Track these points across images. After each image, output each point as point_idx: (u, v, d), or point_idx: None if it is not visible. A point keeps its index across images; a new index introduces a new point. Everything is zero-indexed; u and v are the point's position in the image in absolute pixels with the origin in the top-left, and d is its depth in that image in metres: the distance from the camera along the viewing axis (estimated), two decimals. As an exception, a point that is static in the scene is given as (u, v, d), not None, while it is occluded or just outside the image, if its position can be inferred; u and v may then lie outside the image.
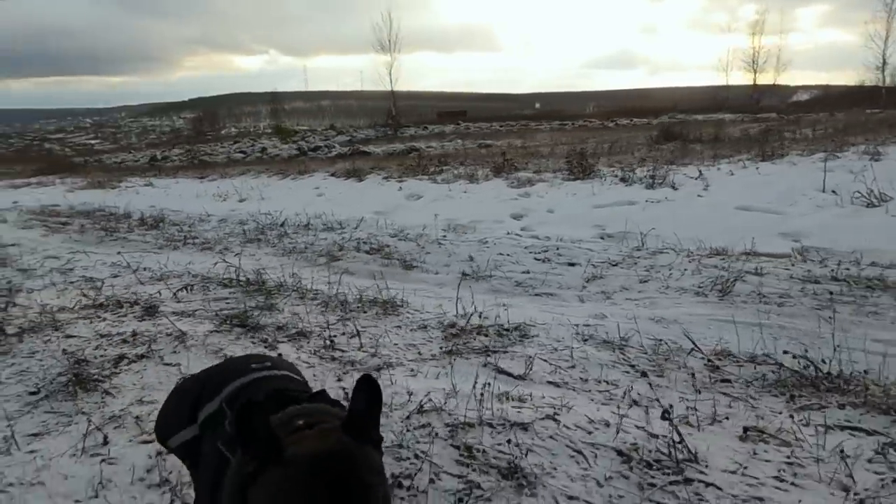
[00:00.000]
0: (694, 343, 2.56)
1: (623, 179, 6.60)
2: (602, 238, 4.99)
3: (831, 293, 3.27)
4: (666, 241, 4.56)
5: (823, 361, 2.33)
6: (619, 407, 2.06)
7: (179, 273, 4.49)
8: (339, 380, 2.44)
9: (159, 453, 1.85)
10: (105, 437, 1.96)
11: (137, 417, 2.11)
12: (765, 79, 45.68)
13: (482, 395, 2.10)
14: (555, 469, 1.68)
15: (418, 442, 1.84)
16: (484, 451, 1.78)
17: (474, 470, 1.69)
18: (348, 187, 8.31)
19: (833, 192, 5.22)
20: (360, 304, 3.45)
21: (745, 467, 1.68)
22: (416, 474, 1.68)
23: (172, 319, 3.14)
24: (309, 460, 0.84)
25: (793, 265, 3.79)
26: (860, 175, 5.54)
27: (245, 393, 1.13)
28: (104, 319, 3.27)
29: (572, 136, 13.50)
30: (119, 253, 5.19)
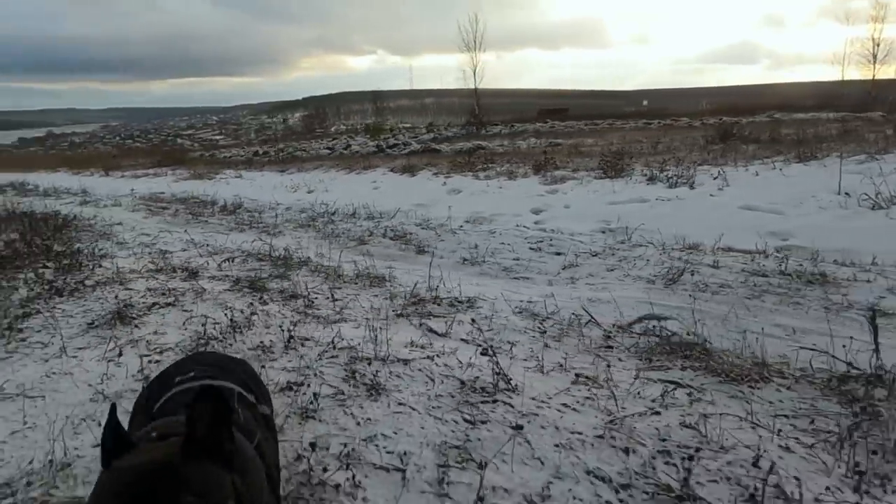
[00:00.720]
0: (591, 316, 3.00)
1: (650, 178, 6.82)
2: (602, 232, 5.34)
3: (770, 285, 3.53)
4: (656, 237, 4.86)
5: (697, 335, 2.71)
6: (492, 355, 2.57)
7: (232, 249, 5.39)
8: (315, 319, 3.13)
9: (150, 362, 2.62)
10: (120, 351, 2.76)
11: (148, 342, 2.90)
12: (887, 73, 41.06)
13: (389, 339, 2.70)
14: (405, 388, 2.26)
15: (322, 367, 2.48)
16: (364, 374, 2.39)
17: (348, 384, 2.31)
18: (401, 182, 9.07)
19: (846, 194, 5.23)
20: (354, 278, 4.13)
21: (551, 397, 2.17)
22: (308, 384, 2.32)
23: (202, 282, 3.99)
24: (126, 472, 0.87)
25: (752, 260, 4.01)
26: (889, 178, 5.48)
27: (166, 407, 1.19)
28: (156, 279, 4.17)
29: (647, 134, 13.37)
30: (185, 231, 6.23)
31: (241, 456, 0.98)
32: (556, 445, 1.82)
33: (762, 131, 10.53)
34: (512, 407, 2.08)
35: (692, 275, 3.80)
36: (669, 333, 2.80)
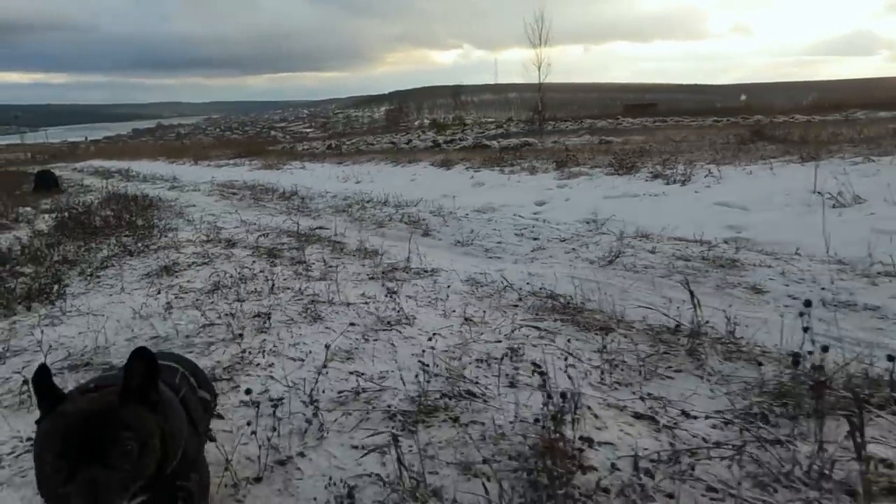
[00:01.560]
0: (508, 282, 3.76)
1: (654, 176, 7.32)
2: (586, 223, 5.97)
3: (686, 267, 4.13)
4: (627, 227, 5.46)
5: (585, 300, 3.42)
6: (394, 298, 3.39)
7: (272, 227, 6.49)
8: (306, 278, 4.09)
9: (175, 297, 3.66)
10: (159, 291, 3.84)
11: (180, 287, 3.97)
12: None
13: (346, 291, 3.60)
14: (336, 319, 3.15)
15: (288, 305, 3.42)
16: (314, 310, 3.30)
17: (300, 315, 3.23)
18: (436, 174, 9.94)
19: (819, 193, 5.58)
20: (354, 252, 5.07)
21: (434, 329, 2.98)
22: (272, 314, 3.26)
23: (236, 250, 5.07)
24: (72, 415, 1.04)
25: (686, 247, 4.59)
26: (870, 179, 5.78)
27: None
28: (203, 247, 5.30)
29: (699, 133, 13.41)
30: (238, 212, 7.42)
31: (165, 403, 1.20)
32: (412, 354, 2.65)
33: (797, 131, 10.51)
34: (400, 332, 2.93)
35: (627, 257, 4.44)
36: (563, 298, 3.52)
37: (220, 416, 2.07)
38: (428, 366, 2.35)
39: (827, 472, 1.58)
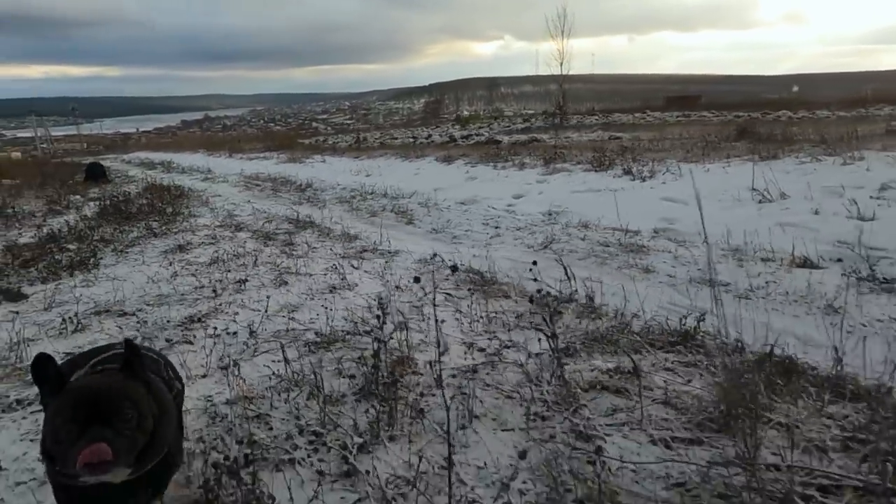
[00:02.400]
0: (443, 260, 4.61)
1: (626, 172, 8.00)
2: (546, 215, 6.72)
3: (604, 251, 4.89)
4: (579, 218, 6.21)
5: (503, 275, 4.24)
6: (340, 270, 4.28)
7: (280, 215, 7.46)
8: (288, 256, 5.02)
9: (182, 268, 4.64)
10: (170, 263, 4.84)
11: (188, 261, 4.95)
12: None
13: (311, 265, 4.52)
14: (297, 285, 4.05)
15: (265, 274, 4.35)
16: (284, 279, 4.21)
17: (272, 282, 4.15)
18: (437, 169, 10.78)
19: (755, 189, 6.22)
20: (338, 236, 5.98)
21: (373, 292, 3.85)
22: (249, 279, 4.19)
23: (240, 233, 6.05)
24: (79, 389, 1.28)
25: (613, 236, 5.33)
26: (806, 177, 6.38)
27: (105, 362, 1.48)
28: (214, 230, 6.30)
29: (716, 129, 13.73)
30: (251, 202, 8.44)
31: (159, 392, 1.40)
32: (342, 308, 3.53)
33: (781, 129, 10.90)
34: (339, 295, 3.82)
35: (560, 243, 5.22)
36: (487, 275, 4.34)
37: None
38: (346, 316, 3.24)
39: (558, 374, 2.39)
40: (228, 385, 2.54)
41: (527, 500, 1.68)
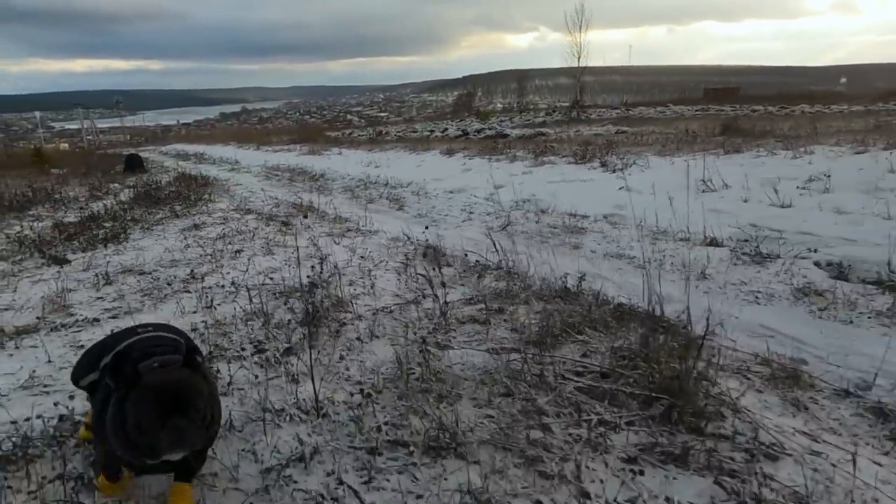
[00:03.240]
0: (408, 237, 5.47)
1: (602, 165, 8.71)
2: (521, 202, 7.51)
3: (550, 232, 5.68)
4: (544, 206, 6.98)
5: (457, 250, 5.08)
6: (316, 245, 5.17)
7: (288, 201, 8.42)
8: (283, 234, 5.95)
9: (194, 241, 5.63)
10: (185, 238, 5.82)
11: (200, 236, 5.93)
12: None
13: (295, 240, 5.45)
14: (282, 254, 4.98)
15: (258, 246, 5.29)
16: (272, 248, 5.14)
17: (261, 250, 5.08)
18: (438, 161, 11.62)
19: (703, 180, 6.89)
20: (332, 219, 6.90)
21: (341, 259, 4.75)
22: (244, 249, 5.13)
23: (248, 216, 7.03)
24: (155, 384, 1.47)
25: (562, 220, 6.10)
26: (757, 169, 7.03)
27: (129, 349, 1.66)
28: (228, 213, 7.29)
29: (714, 123, 14.16)
30: (263, 190, 9.43)
31: (213, 382, 1.72)
32: (311, 269, 4.43)
33: (770, 126, 11.37)
34: (311, 261, 4.73)
35: (517, 226, 6.03)
36: (439, 249, 5.18)
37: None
38: (310, 276, 4.14)
39: (443, 312, 3.24)
40: (209, 316, 3.46)
41: (384, 377, 2.55)
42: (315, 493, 1.84)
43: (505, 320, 3.16)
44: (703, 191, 6.57)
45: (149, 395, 1.47)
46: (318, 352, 2.86)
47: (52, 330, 3.39)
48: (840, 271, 4.01)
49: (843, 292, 3.56)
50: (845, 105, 21.73)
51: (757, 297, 3.65)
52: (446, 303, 3.30)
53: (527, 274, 4.17)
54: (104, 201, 8.80)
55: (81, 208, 8.10)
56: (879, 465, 1.90)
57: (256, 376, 2.66)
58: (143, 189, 9.39)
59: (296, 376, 2.61)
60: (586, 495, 1.78)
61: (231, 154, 19.18)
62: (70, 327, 3.42)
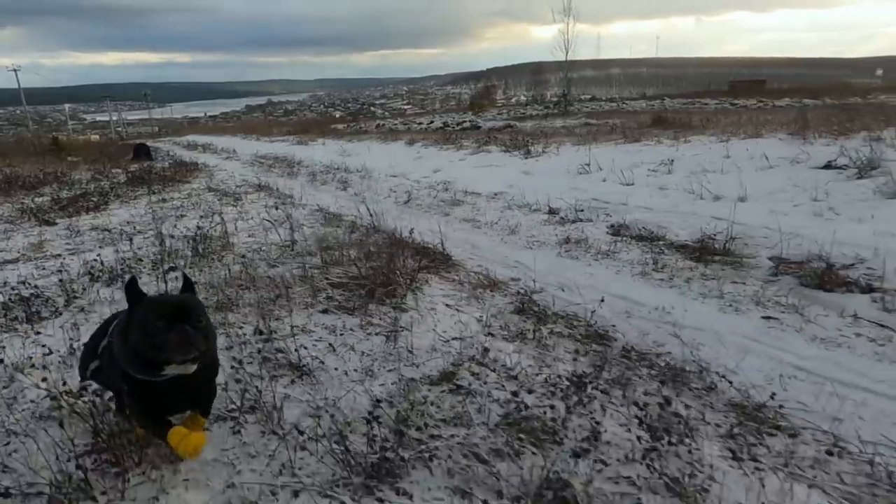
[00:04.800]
0: (321, 208, 6.86)
1: (526, 153, 9.97)
2: (439, 183, 8.82)
3: (442, 203, 7.00)
4: (454, 185, 8.29)
5: (368, 220, 6.46)
6: (270, 219, 6.58)
7: (254, 183, 9.87)
8: (228, 206, 7.39)
9: (158, 208, 7.11)
10: (151, 207, 7.31)
11: (163, 206, 7.40)
12: None
13: (249, 210, 6.88)
14: (233, 218, 6.42)
15: (210, 219, 6.75)
16: (211, 212, 6.59)
17: (205, 217, 6.53)
18: (399, 150, 12.96)
19: (585, 165, 8.13)
20: (279, 195, 8.32)
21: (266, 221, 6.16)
22: (187, 215, 6.58)
23: (210, 194, 8.49)
24: (163, 298, 1.90)
25: (456, 195, 7.42)
26: (631, 155, 8.26)
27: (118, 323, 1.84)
28: (196, 191, 8.77)
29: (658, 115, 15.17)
30: (241, 174, 10.91)
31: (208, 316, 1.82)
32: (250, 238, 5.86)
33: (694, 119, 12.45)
34: (237, 223, 6.15)
35: (419, 199, 7.38)
36: (348, 217, 6.54)
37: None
38: (201, 227, 5.55)
39: (291, 246, 4.64)
40: (132, 251, 4.91)
41: (237, 282, 3.96)
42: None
43: (337, 252, 4.53)
44: (580, 173, 7.82)
45: (154, 305, 1.70)
46: (190, 266, 4.27)
47: (27, 261, 4.87)
48: (616, 230, 5.29)
49: (596, 241, 4.85)
50: (859, 98, 22.16)
51: (532, 245, 4.96)
52: (294, 241, 4.69)
53: (386, 229, 5.54)
54: (101, 182, 10.38)
55: (81, 188, 9.67)
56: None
57: (150, 277, 4.07)
58: (137, 173, 10.94)
59: (167, 279, 4.02)
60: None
61: (232, 144, 20.79)
62: (39, 259, 4.90)
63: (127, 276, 1.96)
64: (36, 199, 8.47)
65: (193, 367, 1.72)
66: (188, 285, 1.88)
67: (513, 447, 1.99)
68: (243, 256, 4.65)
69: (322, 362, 2.68)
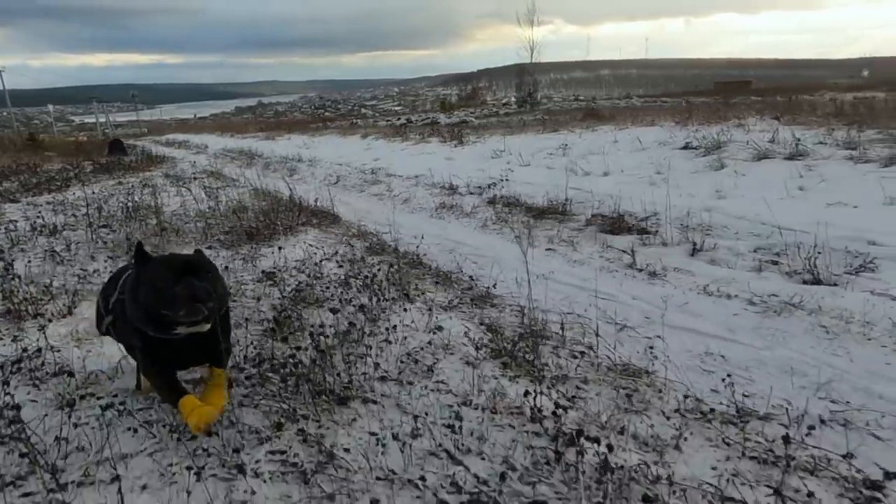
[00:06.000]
0: (260, 186, 7.80)
1: (460, 142, 10.94)
2: (375, 169, 9.77)
3: (364, 182, 7.94)
4: (383, 170, 9.23)
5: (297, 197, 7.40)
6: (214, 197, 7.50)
7: (209, 171, 10.76)
8: (176, 187, 8.30)
9: (115, 190, 8.02)
10: (103, 189, 8.21)
11: (116, 188, 8.31)
12: None
13: (188, 188, 7.80)
14: (162, 193, 7.34)
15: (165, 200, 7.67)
16: (158, 193, 7.50)
17: (164, 189, 7.45)
18: (354, 143, 13.90)
19: (499, 151, 9.08)
20: (226, 179, 9.22)
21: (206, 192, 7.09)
22: (133, 193, 7.51)
23: (161, 178, 9.41)
24: (169, 256, 1.91)
25: (379, 177, 8.36)
26: (542, 141, 9.24)
27: (126, 279, 1.91)
28: (152, 177, 9.67)
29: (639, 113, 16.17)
30: (202, 165, 11.81)
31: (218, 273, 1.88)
32: (180, 208, 6.77)
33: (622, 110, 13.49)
34: (177, 200, 7.07)
35: (347, 180, 8.32)
36: (277, 193, 7.47)
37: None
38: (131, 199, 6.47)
39: (218, 207, 5.57)
40: (77, 217, 5.80)
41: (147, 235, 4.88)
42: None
43: (243, 213, 5.46)
44: (493, 157, 8.78)
45: (162, 262, 1.77)
46: (120, 225, 5.19)
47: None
48: (493, 199, 6.24)
49: (466, 207, 5.81)
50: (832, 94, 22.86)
51: (415, 211, 5.92)
52: (212, 209, 5.62)
53: (302, 200, 6.48)
54: (69, 172, 11.25)
55: (48, 176, 10.54)
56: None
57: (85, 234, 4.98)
58: (104, 164, 11.83)
59: (99, 234, 4.94)
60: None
61: (207, 141, 21.67)
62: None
63: (135, 240, 2.19)
64: (5, 183, 9.34)
65: (207, 327, 1.77)
66: (199, 250, 1.96)
67: (296, 306, 2.95)
68: (163, 219, 5.57)
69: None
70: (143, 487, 1.63)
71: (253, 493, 1.59)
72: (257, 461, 1.73)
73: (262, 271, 3.70)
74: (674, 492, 1.54)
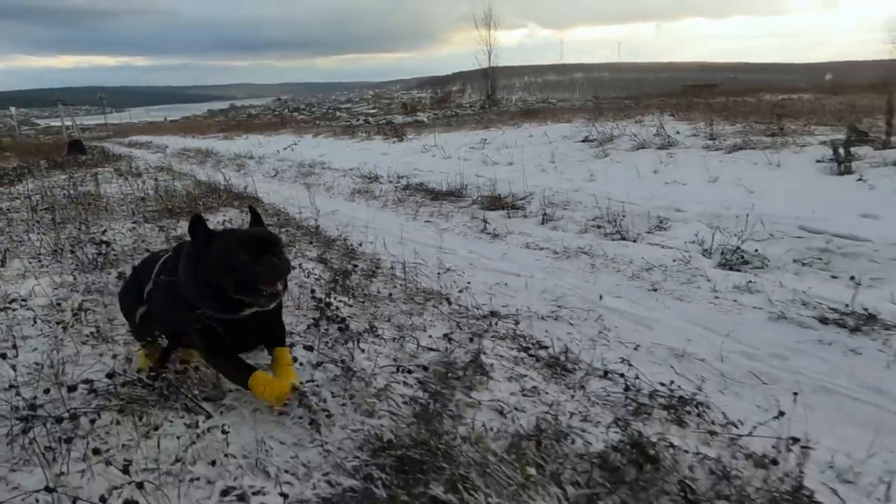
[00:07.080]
0: (198, 179, 8.44)
1: (399, 139, 11.69)
2: (316, 163, 10.45)
3: (301, 174, 8.63)
4: (331, 164, 9.91)
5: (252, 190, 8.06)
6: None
7: (161, 167, 11.32)
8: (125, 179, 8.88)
9: (68, 182, 8.59)
10: (56, 183, 8.78)
11: (67, 181, 8.88)
12: None
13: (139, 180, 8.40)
14: (110, 183, 7.93)
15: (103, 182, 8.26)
16: (109, 183, 8.10)
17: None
18: (305, 140, 14.60)
19: (429, 146, 9.85)
20: (176, 173, 9.82)
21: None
22: (83, 181, 8.09)
23: (116, 173, 9.98)
24: (243, 232, 1.77)
25: (315, 169, 9.06)
26: (473, 137, 10.04)
27: (164, 264, 1.88)
28: (104, 172, 10.22)
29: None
30: (155, 163, 12.36)
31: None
32: (122, 196, 7.39)
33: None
34: (127, 187, 7.69)
35: (284, 174, 8.99)
36: (226, 185, 8.12)
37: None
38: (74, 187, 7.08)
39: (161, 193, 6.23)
40: (27, 205, 6.40)
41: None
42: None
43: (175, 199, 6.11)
44: (422, 152, 9.55)
45: (235, 238, 1.70)
46: (64, 208, 5.82)
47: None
48: (406, 185, 6.99)
49: (377, 191, 6.55)
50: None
51: (333, 196, 6.65)
52: (149, 195, 6.28)
53: (232, 187, 7.14)
54: (25, 169, 11.70)
55: (2, 172, 10.99)
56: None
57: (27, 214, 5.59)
58: (59, 162, 12.30)
59: (40, 215, 5.56)
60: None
61: (168, 141, 22.06)
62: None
63: (191, 214, 1.76)
64: (-39, 179, 9.79)
65: (274, 303, 1.71)
66: (256, 218, 1.87)
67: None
68: (99, 202, 6.20)
69: (116, 240, 4.30)
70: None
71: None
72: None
73: (171, 238, 4.37)
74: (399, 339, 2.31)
